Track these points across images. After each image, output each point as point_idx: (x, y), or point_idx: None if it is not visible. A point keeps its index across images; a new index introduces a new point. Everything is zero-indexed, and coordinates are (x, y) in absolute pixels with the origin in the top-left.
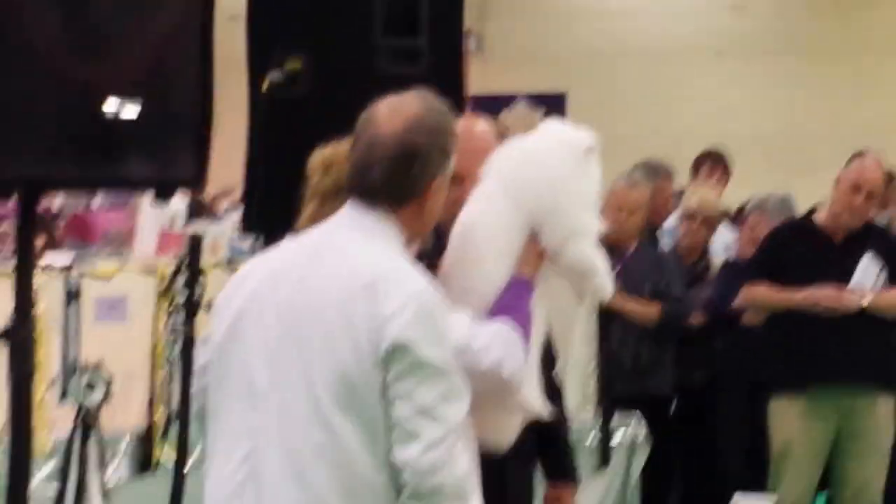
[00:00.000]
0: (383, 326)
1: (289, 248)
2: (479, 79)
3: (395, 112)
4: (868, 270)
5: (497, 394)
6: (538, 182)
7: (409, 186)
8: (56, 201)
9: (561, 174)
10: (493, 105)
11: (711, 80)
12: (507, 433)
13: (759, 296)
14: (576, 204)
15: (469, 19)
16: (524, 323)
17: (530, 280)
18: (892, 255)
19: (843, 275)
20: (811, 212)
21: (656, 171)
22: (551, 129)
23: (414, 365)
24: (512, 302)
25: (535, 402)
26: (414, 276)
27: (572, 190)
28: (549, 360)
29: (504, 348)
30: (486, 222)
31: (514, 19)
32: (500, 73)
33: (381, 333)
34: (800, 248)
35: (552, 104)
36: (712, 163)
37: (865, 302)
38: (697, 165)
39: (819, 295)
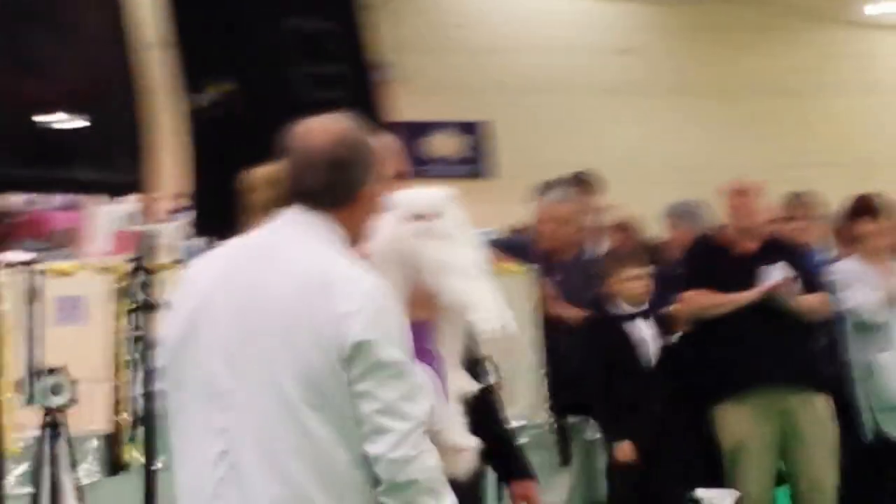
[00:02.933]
0: (343, 326)
1: (236, 247)
2: (404, 107)
3: (324, 129)
4: (777, 276)
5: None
6: (396, 236)
7: (342, 192)
8: (10, 201)
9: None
10: (416, 131)
11: (601, 114)
12: (459, 467)
13: (703, 301)
14: (438, 244)
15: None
16: (430, 362)
17: (428, 321)
18: (799, 263)
19: (755, 284)
20: (720, 228)
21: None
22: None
23: (375, 366)
24: (415, 345)
25: (457, 436)
26: (367, 276)
27: (433, 232)
28: (477, 378)
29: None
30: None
31: (429, 55)
32: (424, 102)
33: (341, 332)
34: (714, 261)
35: (472, 131)
36: (579, 185)
37: (791, 290)
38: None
39: (756, 291)
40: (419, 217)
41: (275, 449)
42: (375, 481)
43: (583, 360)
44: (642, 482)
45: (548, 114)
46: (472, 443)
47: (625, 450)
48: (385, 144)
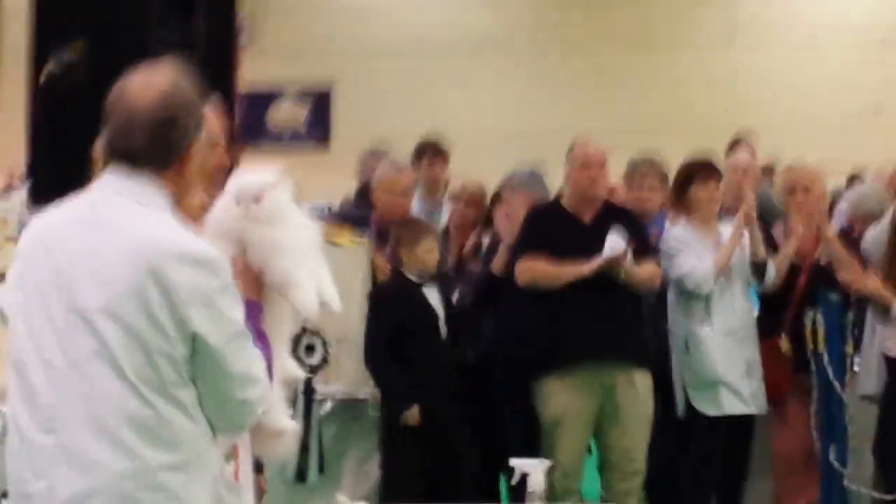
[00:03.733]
0: (181, 311)
1: (60, 215)
2: (249, 71)
3: (149, 85)
4: (615, 244)
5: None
6: (226, 217)
7: (169, 151)
8: None
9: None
10: (262, 98)
11: (466, 75)
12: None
13: (539, 269)
14: (264, 224)
15: (242, 11)
16: (262, 341)
17: (257, 301)
18: (635, 230)
19: (593, 253)
20: (558, 196)
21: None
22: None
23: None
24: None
25: (280, 419)
26: (201, 248)
27: (260, 212)
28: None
29: None
30: None
31: (284, 14)
32: (269, 67)
33: (178, 317)
34: (553, 229)
35: (318, 98)
36: (431, 152)
37: (626, 262)
38: (419, 155)
39: (593, 264)
40: (246, 199)
41: (102, 415)
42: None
43: (369, 328)
44: (430, 450)
45: (394, 78)
46: (293, 426)
47: (413, 413)
48: (214, 109)
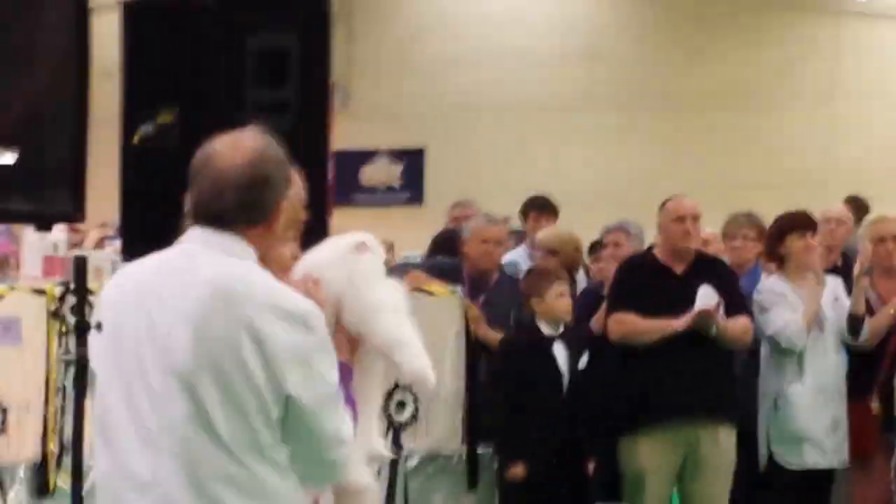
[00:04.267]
0: (272, 368)
1: (146, 268)
2: (342, 133)
3: (238, 146)
4: (708, 297)
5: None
6: (326, 275)
7: (258, 211)
8: None
9: (340, 267)
10: (355, 158)
11: (558, 132)
12: None
13: (631, 324)
14: (363, 285)
15: (335, 74)
16: (350, 405)
17: (347, 363)
18: (728, 283)
19: (685, 305)
20: (650, 248)
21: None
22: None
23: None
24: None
25: (362, 477)
26: (289, 296)
27: (357, 275)
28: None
29: None
30: None
31: (378, 75)
32: (362, 128)
33: (270, 376)
34: (645, 281)
35: (412, 158)
36: (537, 209)
37: (718, 316)
38: (525, 212)
39: (685, 319)
40: (360, 246)
41: (200, 476)
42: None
43: (494, 381)
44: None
45: (487, 134)
46: (374, 485)
47: (517, 470)
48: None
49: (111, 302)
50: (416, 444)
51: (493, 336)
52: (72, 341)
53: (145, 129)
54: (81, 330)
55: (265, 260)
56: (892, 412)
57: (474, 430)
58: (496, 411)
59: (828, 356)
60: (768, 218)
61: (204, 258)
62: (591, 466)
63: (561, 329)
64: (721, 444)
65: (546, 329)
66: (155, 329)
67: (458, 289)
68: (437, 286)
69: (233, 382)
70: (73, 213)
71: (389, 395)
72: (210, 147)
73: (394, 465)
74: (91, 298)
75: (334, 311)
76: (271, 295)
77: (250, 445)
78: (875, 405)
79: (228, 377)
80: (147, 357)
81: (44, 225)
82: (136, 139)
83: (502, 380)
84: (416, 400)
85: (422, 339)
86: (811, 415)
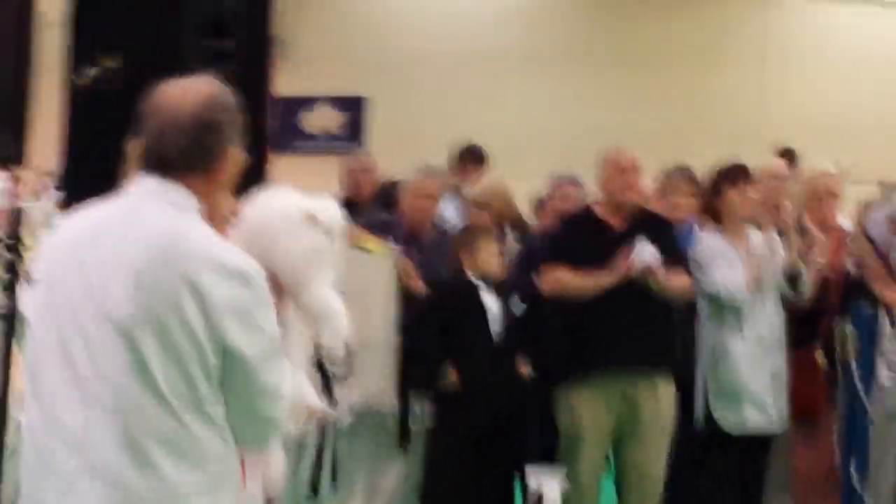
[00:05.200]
0: (212, 319)
1: (87, 219)
2: (283, 81)
3: (186, 91)
4: (645, 253)
5: None
6: (264, 241)
7: (204, 157)
8: None
9: (282, 237)
10: (296, 105)
11: (500, 86)
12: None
13: (563, 280)
14: (299, 259)
15: (278, 22)
16: None
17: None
18: (668, 238)
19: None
20: (587, 205)
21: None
22: (274, 199)
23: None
24: None
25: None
26: (232, 254)
27: (293, 247)
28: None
29: None
30: None
31: (322, 23)
32: (303, 76)
33: (208, 326)
34: (582, 237)
35: (352, 107)
36: (465, 159)
37: (658, 272)
38: (454, 161)
39: (617, 271)
40: (315, 223)
41: (134, 433)
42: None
43: (419, 327)
44: (470, 459)
45: (429, 86)
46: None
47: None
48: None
49: (49, 252)
50: (348, 399)
51: (423, 290)
52: (2, 294)
53: (88, 71)
54: (12, 282)
55: (208, 209)
56: (835, 366)
57: (405, 386)
58: (424, 360)
59: (767, 309)
60: (704, 172)
61: (145, 209)
62: (526, 429)
63: (491, 284)
64: (660, 400)
65: (476, 281)
66: (93, 281)
67: (394, 246)
68: (374, 242)
69: (172, 334)
70: (14, 155)
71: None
72: (159, 92)
73: (325, 421)
74: (26, 251)
75: (270, 265)
76: (212, 251)
77: (188, 398)
78: (820, 357)
79: (168, 329)
80: (85, 308)
81: None
82: (77, 80)
83: (428, 325)
84: (347, 353)
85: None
86: (751, 368)
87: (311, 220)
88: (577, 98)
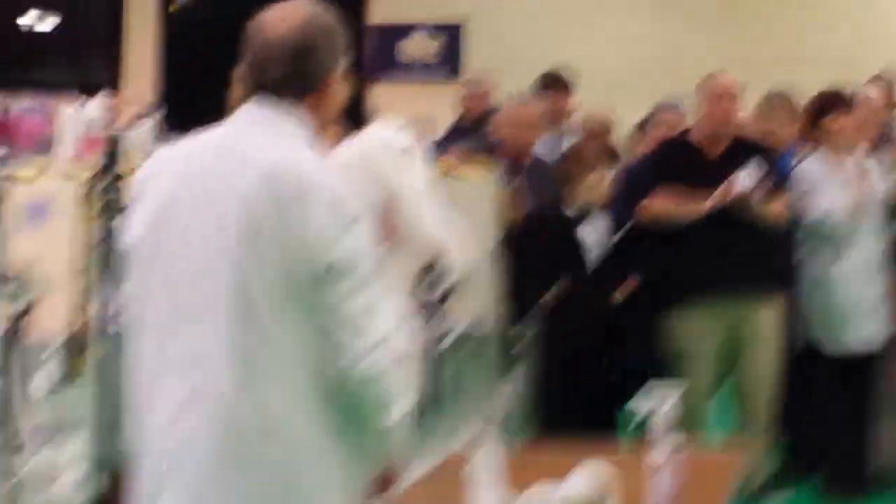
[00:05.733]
0: (318, 241)
1: (196, 146)
2: (379, 9)
3: (287, 16)
4: (744, 180)
5: None
6: (369, 173)
7: (305, 82)
8: None
9: (385, 169)
10: (392, 35)
11: (599, 10)
12: None
13: (662, 206)
14: (409, 194)
15: None
16: None
17: (384, 245)
18: (766, 165)
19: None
20: (685, 132)
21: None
22: (375, 132)
23: (345, 281)
24: None
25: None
26: (339, 182)
27: (403, 183)
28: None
29: None
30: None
31: None
32: (399, 4)
33: (315, 246)
34: (680, 163)
35: (449, 35)
36: (554, 84)
37: (756, 198)
38: (543, 87)
39: (716, 197)
40: (405, 151)
41: (249, 368)
42: (338, 394)
43: (525, 260)
44: (574, 381)
45: (527, 13)
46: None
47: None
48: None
49: (154, 181)
50: (453, 323)
51: (523, 217)
52: (103, 224)
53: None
54: (115, 212)
55: (316, 135)
56: None
57: (508, 310)
58: (524, 285)
59: (868, 235)
60: (805, 98)
61: (253, 139)
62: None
63: (592, 212)
64: (763, 320)
65: (571, 212)
66: (203, 209)
67: (493, 172)
68: (472, 169)
69: (278, 262)
70: (109, 83)
71: (421, 276)
72: (260, 17)
73: (427, 345)
74: (123, 180)
75: (385, 192)
76: (321, 179)
77: (292, 325)
78: None
79: (274, 257)
80: (193, 236)
81: (82, 93)
82: (171, 8)
83: (527, 252)
84: (448, 277)
85: (456, 224)
86: (851, 294)
87: (412, 151)
88: (678, 24)
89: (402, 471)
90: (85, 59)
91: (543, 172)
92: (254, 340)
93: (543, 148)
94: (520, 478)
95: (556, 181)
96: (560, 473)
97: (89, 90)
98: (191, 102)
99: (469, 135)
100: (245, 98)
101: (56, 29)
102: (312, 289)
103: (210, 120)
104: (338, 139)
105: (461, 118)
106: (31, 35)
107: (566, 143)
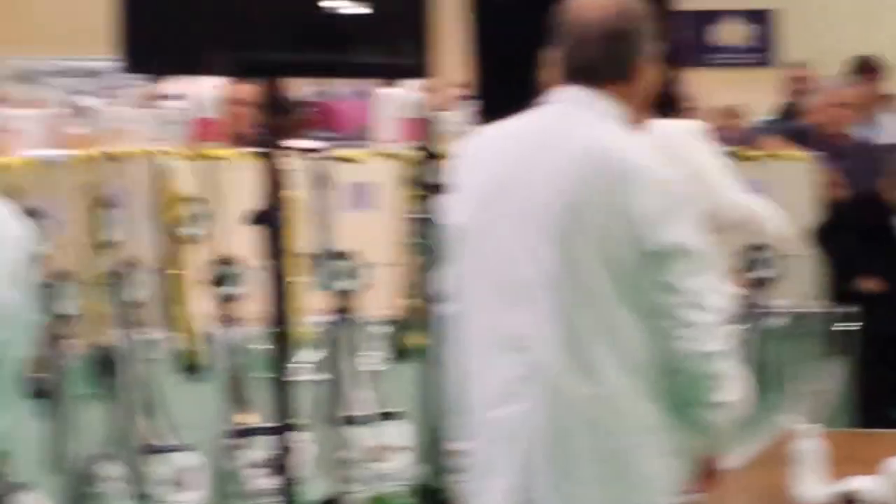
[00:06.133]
0: (647, 221)
1: (518, 129)
2: None
3: (599, 1)
4: None
5: None
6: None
7: (617, 67)
8: (303, 90)
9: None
10: (701, 20)
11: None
12: None
13: None
14: (710, 170)
15: None
16: None
17: None
18: None
19: None
20: None
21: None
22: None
23: (680, 260)
24: None
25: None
26: (661, 164)
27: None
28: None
29: None
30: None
31: None
32: None
33: (645, 227)
34: None
35: (759, 20)
36: (866, 69)
37: None
38: (856, 71)
39: None
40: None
41: (582, 345)
42: (673, 374)
43: (843, 245)
44: None
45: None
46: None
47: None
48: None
49: (477, 164)
50: (778, 302)
51: (846, 197)
52: (425, 204)
53: None
54: (437, 192)
55: (631, 119)
56: None
57: (832, 290)
58: (844, 266)
59: None
60: None
61: (575, 120)
62: None
63: None
64: None
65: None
66: (530, 190)
67: (812, 156)
68: (791, 151)
69: (604, 240)
70: (420, 67)
71: (747, 252)
72: (572, 1)
73: (751, 322)
74: (442, 161)
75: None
76: (643, 162)
77: (618, 302)
78: None
79: (600, 235)
80: (522, 217)
81: (397, 77)
82: None
83: (848, 232)
84: (774, 258)
85: (775, 202)
86: None
87: (704, 138)
88: None
89: (726, 456)
90: (396, 44)
91: (865, 157)
92: (584, 319)
93: (859, 133)
94: (838, 466)
95: (879, 169)
96: (875, 464)
97: (402, 74)
98: (501, 85)
99: (788, 120)
100: (557, 81)
101: (367, 14)
102: (640, 268)
103: (519, 102)
104: (647, 125)
105: (783, 104)
106: (343, 19)
107: (881, 129)
